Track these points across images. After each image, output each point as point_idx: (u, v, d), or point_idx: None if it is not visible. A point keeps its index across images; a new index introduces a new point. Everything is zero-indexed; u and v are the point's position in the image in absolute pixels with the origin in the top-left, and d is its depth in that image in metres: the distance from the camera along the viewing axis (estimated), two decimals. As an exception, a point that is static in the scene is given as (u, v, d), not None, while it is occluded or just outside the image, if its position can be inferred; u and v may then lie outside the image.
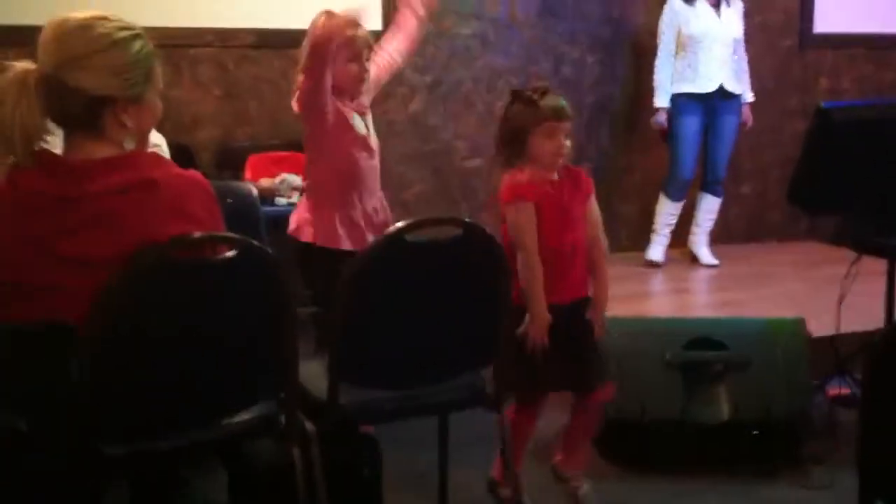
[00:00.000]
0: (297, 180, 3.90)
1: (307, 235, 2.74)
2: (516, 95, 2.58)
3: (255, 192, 3.10)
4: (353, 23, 2.65)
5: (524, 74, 4.90)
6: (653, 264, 4.77)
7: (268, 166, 4.03)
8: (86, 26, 1.75)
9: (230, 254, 1.85)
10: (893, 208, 3.05)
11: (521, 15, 4.87)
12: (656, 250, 4.81)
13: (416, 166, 4.63)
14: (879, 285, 3.23)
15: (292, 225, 2.82)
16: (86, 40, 1.74)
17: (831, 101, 5.35)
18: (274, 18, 4.38)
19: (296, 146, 4.19)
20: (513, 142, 2.53)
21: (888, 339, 1.46)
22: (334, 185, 2.74)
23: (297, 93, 2.68)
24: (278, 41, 4.40)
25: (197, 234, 1.79)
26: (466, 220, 2.27)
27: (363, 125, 2.81)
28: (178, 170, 1.85)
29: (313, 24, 2.71)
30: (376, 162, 2.83)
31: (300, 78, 2.68)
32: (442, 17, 4.72)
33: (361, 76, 2.74)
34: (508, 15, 4.85)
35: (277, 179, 3.93)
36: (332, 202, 2.74)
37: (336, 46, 2.57)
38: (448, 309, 2.17)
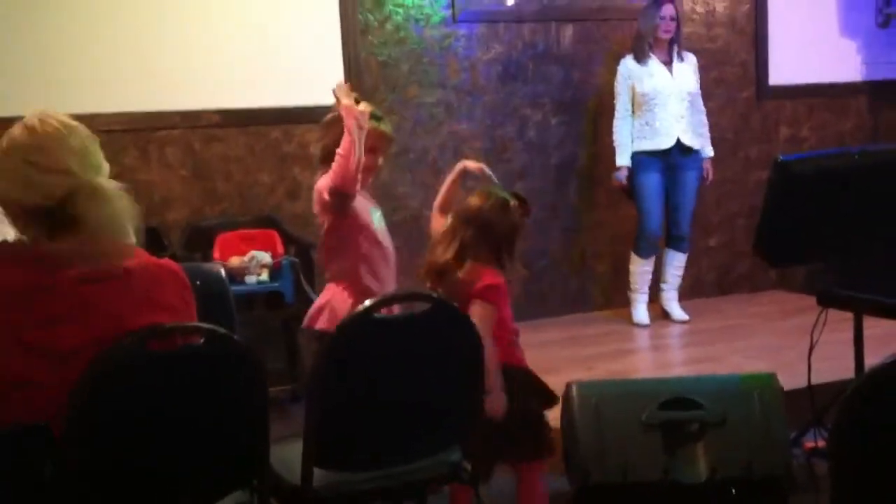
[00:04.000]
0: (266, 257, 3.91)
1: (322, 323, 2.77)
2: (502, 204, 2.67)
3: (223, 272, 3.09)
4: (378, 115, 2.79)
5: (490, 139, 4.97)
6: (640, 327, 4.79)
7: (237, 244, 4.04)
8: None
9: (200, 343, 1.86)
10: (856, 259, 3.10)
11: (483, 81, 4.95)
12: (641, 312, 4.83)
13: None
14: (849, 333, 3.25)
15: (309, 315, 2.86)
16: None
17: (792, 150, 5.47)
18: (238, 98, 4.43)
19: (265, 223, 4.24)
20: (509, 244, 2.67)
21: (851, 405, 1.48)
22: (356, 272, 2.80)
23: (328, 185, 2.70)
24: (243, 119, 4.46)
25: (168, 325, 1.79)
26: (435, 295, 2.28)
27: (379, 217, 2.91)
28: (150, 258, 1.86)
29: (337, 108, 2.75)
30: (392, 252, 2.92)
31: (330, 174, 2.70)
32: (406, 87, 4.80)
33: (375, 168, 2.85)
34: (471, 82, 4.93)
35: (247, 257, 3.94)
36: (350, 291, 2.79)
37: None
38: (422, 385, 2.17)
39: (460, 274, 2.62)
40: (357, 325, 2.13)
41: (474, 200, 2.69)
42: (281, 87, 4.48)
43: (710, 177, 4.86)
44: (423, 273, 2.71)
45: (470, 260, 2.63)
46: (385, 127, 2.81)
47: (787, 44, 5.48)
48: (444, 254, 2.64)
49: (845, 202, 3.12)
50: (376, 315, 2.15)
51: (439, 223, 2.84)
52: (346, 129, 2.64)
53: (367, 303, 2.15)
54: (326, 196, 2.71)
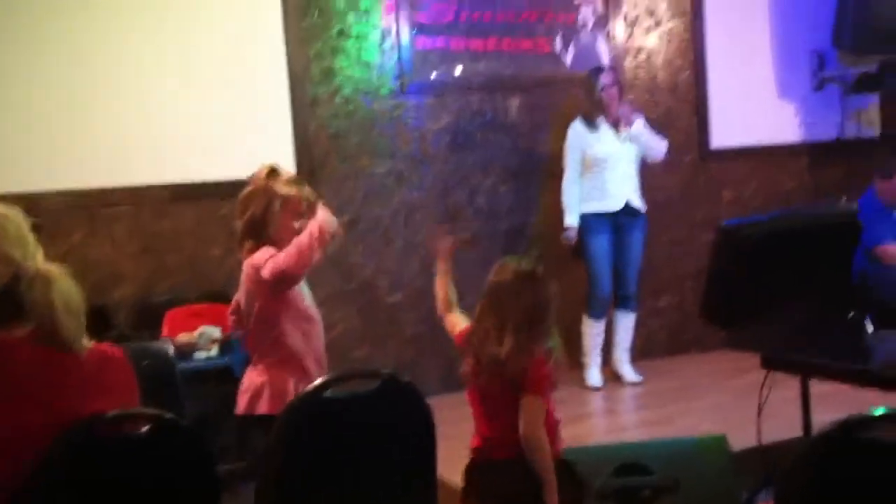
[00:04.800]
0: (215, 332, 3.88)
1: (262, 408, 2.69)
2: (534, 274, 2.54)
3: (171, 351, 3.08)
4: (296, 180, 2.79)
5: (440, 206, 5.02)
6: (593, 389, 4.81)
7: (187, 320, 4.00)
8: None
9: (146, 429, 1.84)
10: (799, 320, 3.16)
11: (433, 150, 5.01)
12: (594, 375, 4.86)
13: (339, 306, 4.64)
14: (797, 390, 3.30)
15: (243, 399, 2.76)
16: None
17: (736, 211, 5.59)
18: (187, 172, 4.44)
19: (215, 297, 4.21)
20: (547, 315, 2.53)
21: (794, 473, 1.51)
22: (291, 353, 2.73)
23: (273, 268, 2.63)
24: (193, 194, 4.45)
25: (111, 413, 1.78)
26: (386, 371, 2.28)
27: (308, 291, 2.85)
28: (94, 344, 1.85)
29: (254, 179, 2.77)
30: (321, 325, 2.87)
31: (268, 252, 2.67)
32: (357, 157, 4.85)
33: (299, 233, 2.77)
34: (421, 151, 4.99)
35: (196, 333, 3.90)
36: (287, 370, 2.72)
37: (281, 203, 2.67)
38: (375, 463, 2.16)
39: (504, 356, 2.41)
40: (307, 405, 2.12)
41: (507, 277, 2.50)
42: (230, 159, 4.50)
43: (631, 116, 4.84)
44: (480, 372, 2.46)
45: (527, 344, 2.43)
46: (305, 190, 2.78)
47: (727, 108, 5.65)
48: (502, 346, 2.40)
49: (787, 265, 3.19)
50: (326, 394, 2.14)
51: (455, 322, 2.72)
52: (313, 228, 2.62)
53: (317, 382, 2.15)
54: (266, 275, 2.64)
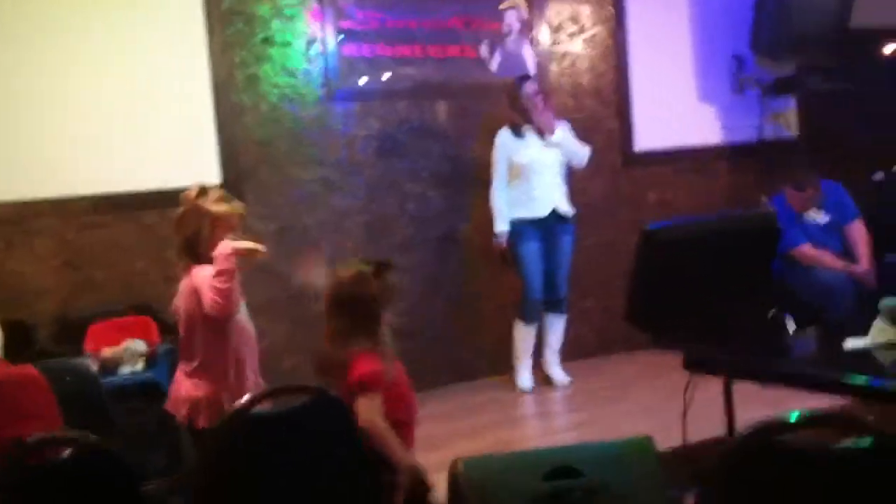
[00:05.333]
0: (141, 346, 3.82)
1: (202, 421, 2.72)
2: (356, 276, 2.70)
3: (94, 367, 3.02)
4: (227, 197, 2.83)
5: (370, 213, 5.02)
6: (524, 392, 4.86)
7: (111, 334, 3.92)
8: None
9: (68, 453, 1.81)
10: (721, 322, 3.24)
11: (361, 157, 5.01)
12: (524, 377, 4.92)
13: (270, 317, 4.59)
14: (721, 388, 3.38)
15: (182, 409, 2.78)
16: None
17: (660, 212, 5.70)
18: (111, 183, 4.36)
19: (140, 310, 4.13)
20: (374, 315, 2.66)
21: (714, 474, 1.55)
22: (227, 367, 2.77)
23: (210, 311, 2.66)
24: (118, 205, 4.38)
25: (32, 439, 1.75)
26: (315, 386, 2.28)
27: (244, 305, 2.88)
28: (8, 368, 1.82)
29: (184, 199, 2.80)
30: (255, 337, 2.91)
31: (216, 284, 2.66)
32: (285, 165, 4.81)
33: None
34: (349, 158, 4.97)
35: (121, 347, 3.83)
36: (224, 384, 2.75)
37: (212, 221, 2.73)
38: (306, 477, 2.15)
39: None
40: (237, 421, 2.11)
41: (329, 282, 2.74)
42: (156, 170, 4.44)
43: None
44: (314, 369, 2.69)
45: (348, 344, 2.63)
46: (235, 206, 2.84)
47: (650, 111, 5.76)
48: (326, 344, 2.63)
49: (709, 267, 3.26)
50: (257, 410, 2.13)
51: None
52: (222, 265, 2.64)
53: (246, 398, 2.14)
54: (208, 312, 2.68)
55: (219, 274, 2.63)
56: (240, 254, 2.68)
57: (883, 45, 6.11)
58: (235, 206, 2.82)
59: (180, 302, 2.82)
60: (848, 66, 5.95)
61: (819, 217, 5.14)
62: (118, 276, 4.37)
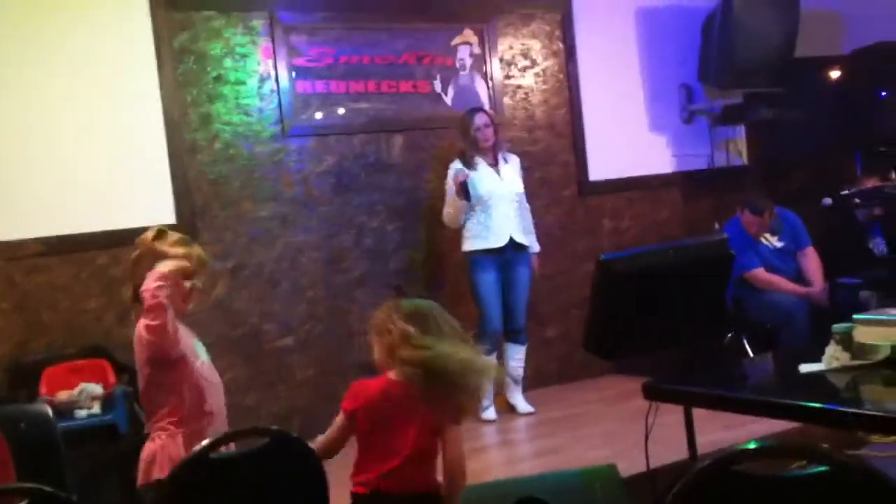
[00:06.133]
0: (96, 389, 3.76)
1: (157, 472, 2.58)
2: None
3: (49, 411, 2.96)
4: (184, 240, 2.70)
5: (326, 248, 5.00)
6: (488, 421, 4.84)
7: (66, 377, 3.86)
8: None
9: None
10: (680, 349, 3.27)
11: (317, 192, 5.00)
12: (487, 407, 4.90)
13: (226, 353, 4.54)
14: (682, 412, 3.40)
15: (141, 472, 2.64)
16: None
17: (615, 241, 5.77)
18: (61, 224, 4.30)
19: (94, 352, 4.07)
20: None
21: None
22: (184, 417, 2.65)
23: (145, 340, 2.56)
24: (68, 246, 4.31)
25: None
26: (274, 428, 2.24)
27: (204, 351, 2.77)
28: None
29: (141, 242, 2.69)
30: (220, 384, 2.78)
31: (146, 320, 2.56)
32: (239, 202, 4.79)
33: (192, 295, 2.72)
34: (305, 194, 4.97)
35: (76, 391, 3.76)
36: (184, 434, 2.63)
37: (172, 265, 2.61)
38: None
39: None
40: (194, 466, 2.07)
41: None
42: (107, 210, 4.39)
43: (538, 270, 5.04)
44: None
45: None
46: (193, 250, 2.71)
47: (603, 142, 5.84)
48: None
49: (665, 295, 3.30)
50: (214, 455, 2.10)
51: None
52: (149, 301, 2.54)
53: (204, 443, 2.11)
54: (143, 350, 2.59)
55: (147, 310, 2.52)
56: (166, 279, 2.56)
57: (826, 73, 6.28)
58: (195, 251, 2.70)
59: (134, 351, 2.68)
60: (794, 93, 6.09)
61: (774, 241, 5.24)
62: (70, 318, 4.30)
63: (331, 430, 2.50)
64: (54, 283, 4.29)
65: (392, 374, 2.48)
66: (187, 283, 2.67)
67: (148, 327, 2.53)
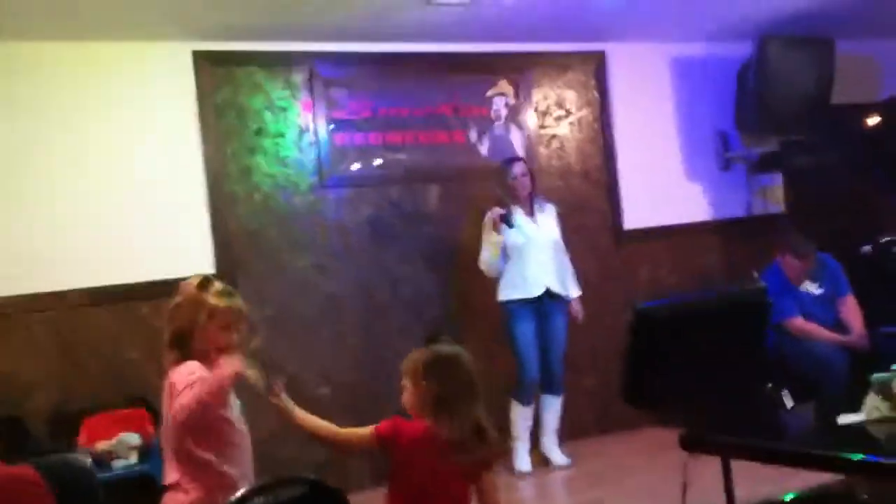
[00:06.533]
0: (134, 439, 3.79)
1: None
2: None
3: (88, 462, 2.99)
4: (228, 291, 2.67)
5: (363, 298, 5.04)
6: (522, 475, 4.81)
7: (106, 427, 3.91)
8: None
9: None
10: (719, 400, 3.24)
11: (354, 242, 5.05)
12: (523, 460, 4.87)
13: (265, 405, 4.55)
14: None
15: None
16: None
17: (653, 289, 5.74)
18: (105, 275, 4.39)
19: (134, 402, 4.12)
20: None
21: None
22: (216, 472, 2.61)
23: (177, 416, 2.50)
24: (112, 297, 4.40)
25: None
26: (311, 477, 2.25)
27: (238, 404, 2.74)
28: (6, 469, 1.81)
29: (184, 288, 2.66)
30: (248, 436, 2.75)
31: (189, 392, 2.50)
32: (277, 252, 4.85)
33: (231, 346, 2.63)
34: (342, 243, 5.02)
35: (114, 441, 3.80)
36: (214, 489, 2.58)
37: (209, 315, 2.58)
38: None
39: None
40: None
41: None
42: (149, 261, 4.48)
43: (581, 315, 5.01)
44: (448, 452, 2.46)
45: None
46: (236, 302, 2.66)
47: (638, 190, 5.84)
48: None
49: (702, 344, 3.27)
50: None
51: (359, 433, 2.61)
52: (213, 383, 2.50)
53: (241, 492, 2.12)
54: (176, 411, 2.51)
55: (210, 390, 2.47)
56: (239, 379, 2.53)
57: (862, 119, 6.25)
58: (236, 302, 2.65)
59: (163, 401, 2.62)
60: (830, 140, 6.07)
61: (813, 289, 5.18)
62: (112, 368, 4.36)
63: (352, 433, 2.55)
64: (97, 333, 4.37)
65: (434, 422, 2.48)
66: (224, 336, 2.62)
67: (200, 401, 2.47)
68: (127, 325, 4.42)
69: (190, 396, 2.47)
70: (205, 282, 2.65)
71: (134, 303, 4.42)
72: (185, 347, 2.61)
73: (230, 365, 2.50)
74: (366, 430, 2.53)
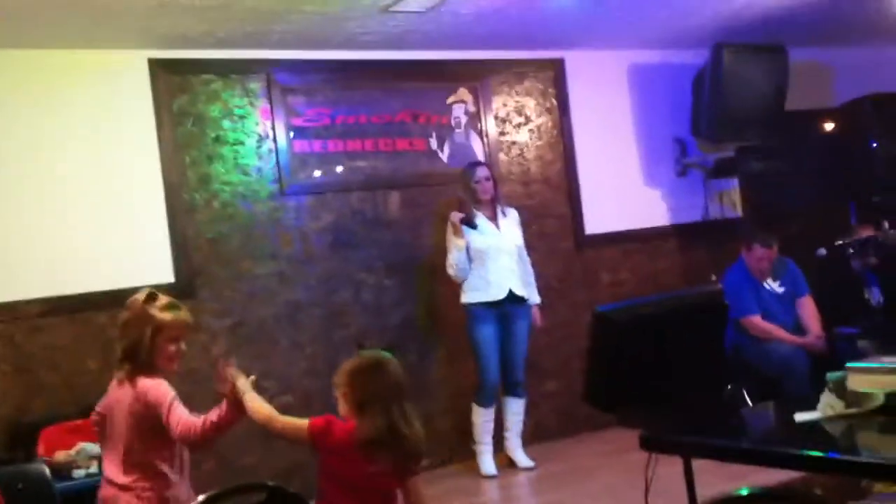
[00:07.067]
0: (94, 449, 3.74)
1: None
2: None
3: (46, 471, 2.96)
4: (173, 305, 2.79)
5: (325, 305, 5.02)
6: (488, 477, 4.83)
7: (64, 437, 3.85)
8: None
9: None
10: (679, 400, 3.27)
11: (315, 249, 5.04)
12: (487, 462, 4.88)
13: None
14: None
15: None
16: None
17: (613, 292, 5.79)
18: (61, 285, 4.33)
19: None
20: None
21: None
22: (173, 471, 2.73)
23: (182, 434, 2.62)
24: (68, 307, 4.34)
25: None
26: (270, 483, 2.25)
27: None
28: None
29: (132, 304, 2.77)
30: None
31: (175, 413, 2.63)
32: (238, 261, 4.82)
33: (177, 357, 2.81)
34: (303, 251, 5.00)
35: (74, 450, 3.76)
36: (171, 488, 2.71)
37: (157, 329, 2.71)
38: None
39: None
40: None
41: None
42: (107, 270, 4.43)
43: (539, 323, 5.05)
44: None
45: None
46: (181, 315, 2.81)
47: (599, 195, 5.89)
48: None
49: (662, 346, 3.31)
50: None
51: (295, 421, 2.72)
52: (232, 406, 2.65)
53: (200, 498, 2.11)
54: (174, 432, 2.62)
55: (220, 423, 2.62)
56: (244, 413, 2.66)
57: (817, 125, 6.37)
58: (182, 315, 2.79)
59: (114, 409, 2.73)
60: (786, 146, 6.17)
61: (776, 287, 5.25)
62: (69, 378, 4.31)
63: (288, 422, 2.64)
64: (53, 344, 4.31)
65: (356, 423, 2.53)
66: (172, 347, 2.75)
67: (206, 430, 2.60)
68: (84, 335, 4.37)
69: (209, 426, 2.61)
70: (150, 296, 2.78)
71: (91, 313, 4.36)
72: (136, 360, 2.73)
73: (248, 405, 2.65)
74: (303, 423, 2.60)
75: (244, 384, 2.70)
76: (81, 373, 4.33)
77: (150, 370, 2.72)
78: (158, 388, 2.68)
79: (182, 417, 2.62)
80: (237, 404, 2.65)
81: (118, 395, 2.73)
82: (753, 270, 5.21)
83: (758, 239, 5.19)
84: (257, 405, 2.63)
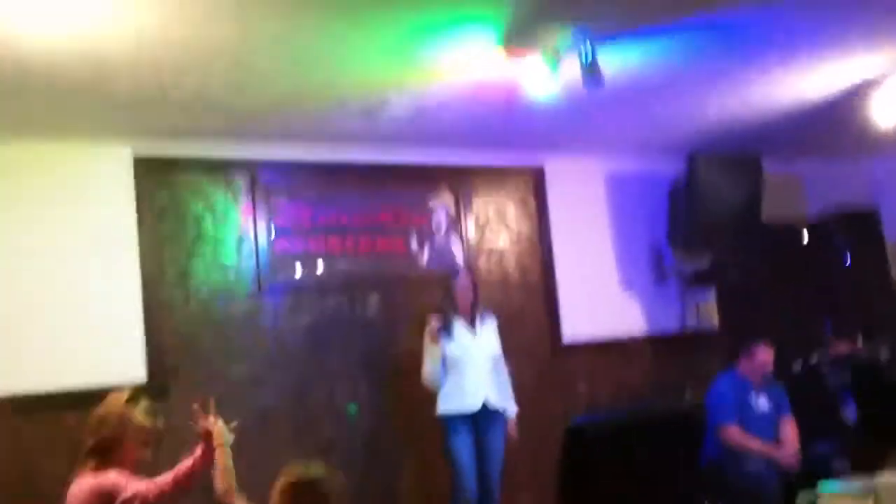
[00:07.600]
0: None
1: None
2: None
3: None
4: (153, 410, 2.85)
5: (298, 408, 4.93)
6: None
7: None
8: None
9: None
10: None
11: (291, 350, 4.98)
12: None
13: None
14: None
15: None
16: None
17: (589, 402, 5.70)
18: (31, 383, 4.25)
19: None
20: None
21: None
22: None
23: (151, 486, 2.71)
24: (36, 406, 4.25)
25: None
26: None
27: None
28: None
29: (112, 402, 2.81)
30: None
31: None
32: (211, 361, 4.75)
33: (143, 462, 2.85)
34: (278, 351, 4.94)
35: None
36: None
37: (132, 430, 2.76)
38: None
39: None
40: None
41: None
42: (78, 367, 4.33)
43: (515, 435, 4.96)
44: None
45: None
46: (157, 423, 2.86)
47: (576, 302, 5.88)
48: None
49: (636, 459, 3.29)
50: None
51: None
52: (205, 455, 2.75)
53: None
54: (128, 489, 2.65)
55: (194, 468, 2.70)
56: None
57: (793, 238, 6.45)
58: (157, 423, 2.82)
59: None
60: (761, 258, 6.23)
61: (763, 402, 5.13)
62: (30, 479, 4.15)
63: None
64: (17, 445, 4.18)
65: None
66: (140, 452, 2.79)
67: (189, 476, 2.73)
68: (49, 434, 4.24)
69: (181, 473, 2.74)
70: (133, 397, 2.80)
71: (58, 413, 4.24)
72: (105, 458, 2.75)
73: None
74: None
75: (223, 434, 2.70)
76: (43, 474, 4.18)
77: (114, 469, 2.72)
78: (118, 478, 2.70)
79: (143, 481, 2.67)
80: (210, 451, 2.64)
81: (82, 492, 2.72)
82: (751, 375, 5.08)
83: (764, 340, 5.10)
84: (229, 468, 2.60)
